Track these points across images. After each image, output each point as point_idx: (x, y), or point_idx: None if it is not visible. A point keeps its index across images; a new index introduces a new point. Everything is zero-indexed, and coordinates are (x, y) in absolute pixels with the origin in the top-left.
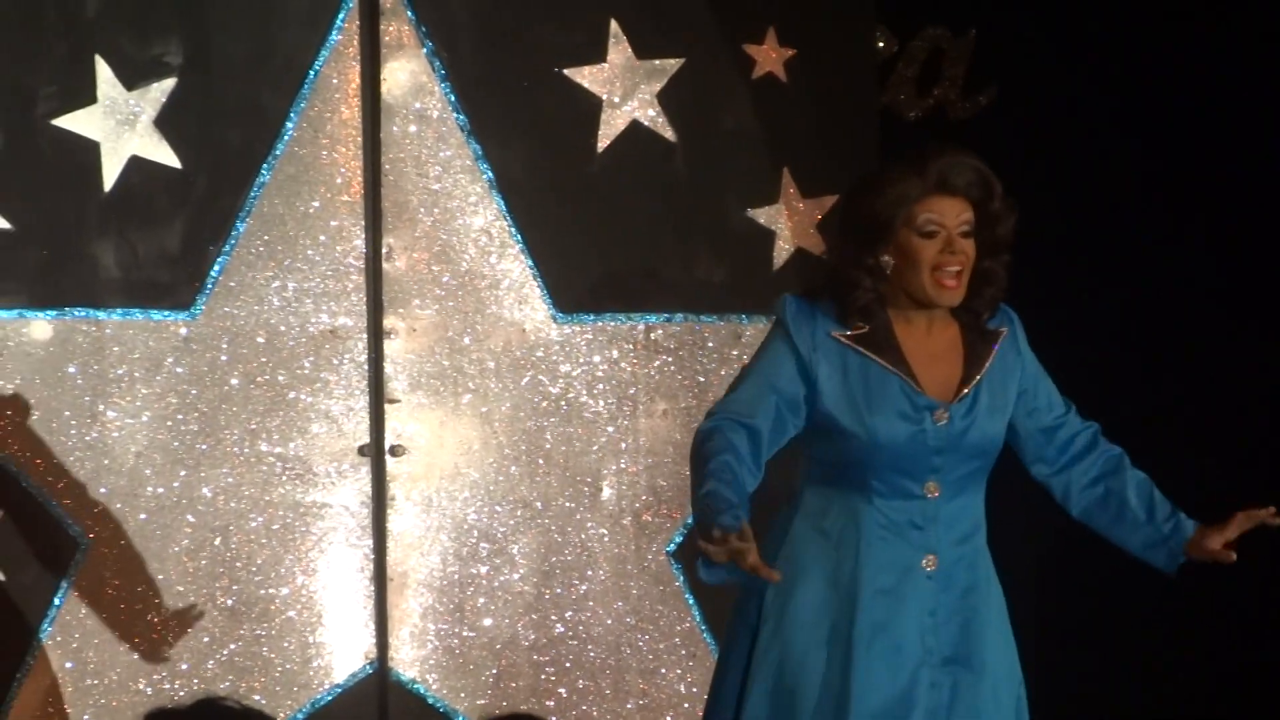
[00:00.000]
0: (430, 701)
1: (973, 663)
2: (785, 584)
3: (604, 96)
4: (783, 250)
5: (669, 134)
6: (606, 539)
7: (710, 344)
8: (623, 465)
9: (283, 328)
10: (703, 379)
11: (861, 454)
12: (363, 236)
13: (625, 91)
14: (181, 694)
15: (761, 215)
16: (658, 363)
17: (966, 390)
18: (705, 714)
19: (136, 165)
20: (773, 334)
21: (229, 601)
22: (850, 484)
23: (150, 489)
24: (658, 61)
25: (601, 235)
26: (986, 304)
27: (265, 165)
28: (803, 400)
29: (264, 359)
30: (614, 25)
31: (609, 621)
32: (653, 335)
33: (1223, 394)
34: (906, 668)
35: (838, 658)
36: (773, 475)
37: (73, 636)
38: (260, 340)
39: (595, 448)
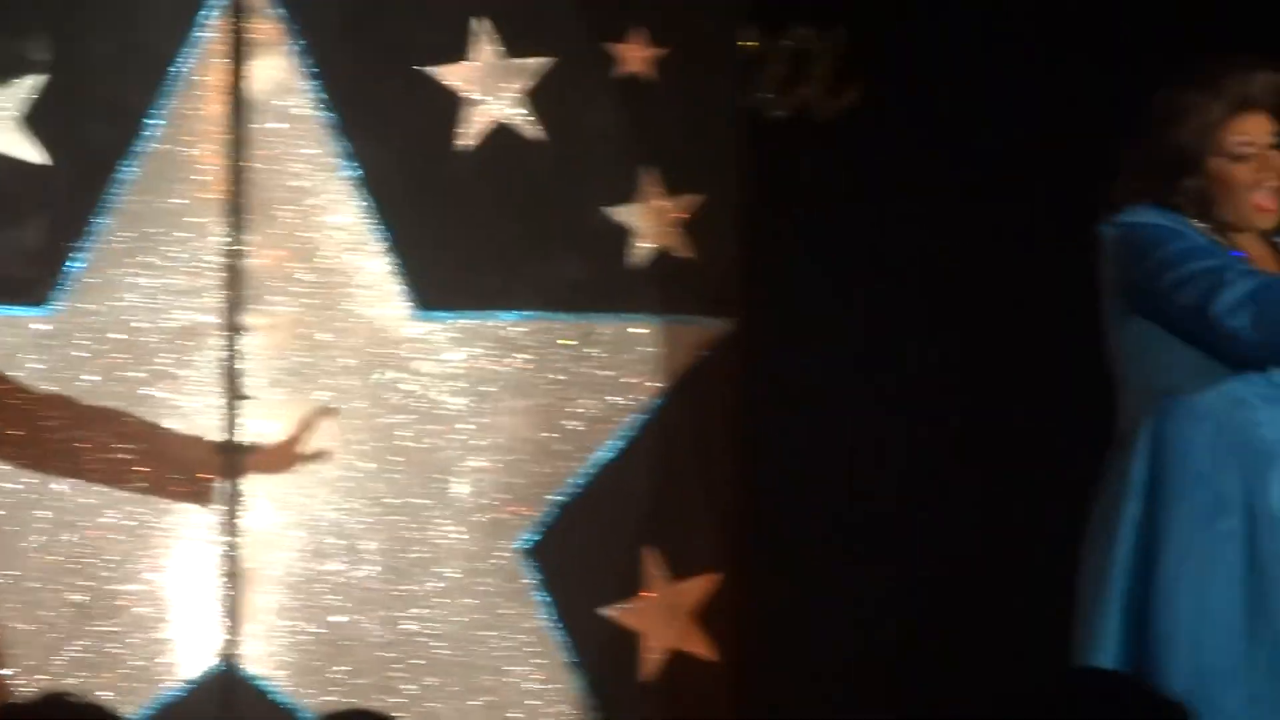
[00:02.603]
0: (277, 698)
1: None
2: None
3: (469, 94)
4: (644, 248)
5: (532, 132)
6: (458, 536)
7: (567, 341)
8: (477, 462)
9: (141, 324)
10: (559, 377)
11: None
12: (223, 233)
13: (490, 89)
14: (29, 689)
15: (622, 214)
16: (515, 360)
17: None
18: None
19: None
20: (1149, 232)
21: (79, 597)
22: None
23: (4, 484)
24: (523, 60)
25: (462, 233)
26: None
27: (127, 162)
28: None
29: (122, 355)
30: (480, 23)
31: (459, 619)
32: (510, 332)
33: (1079, 391)
34: None
35: (1247, 545)
36: None
37: None
38: (118, 337)
39: (450, 445)
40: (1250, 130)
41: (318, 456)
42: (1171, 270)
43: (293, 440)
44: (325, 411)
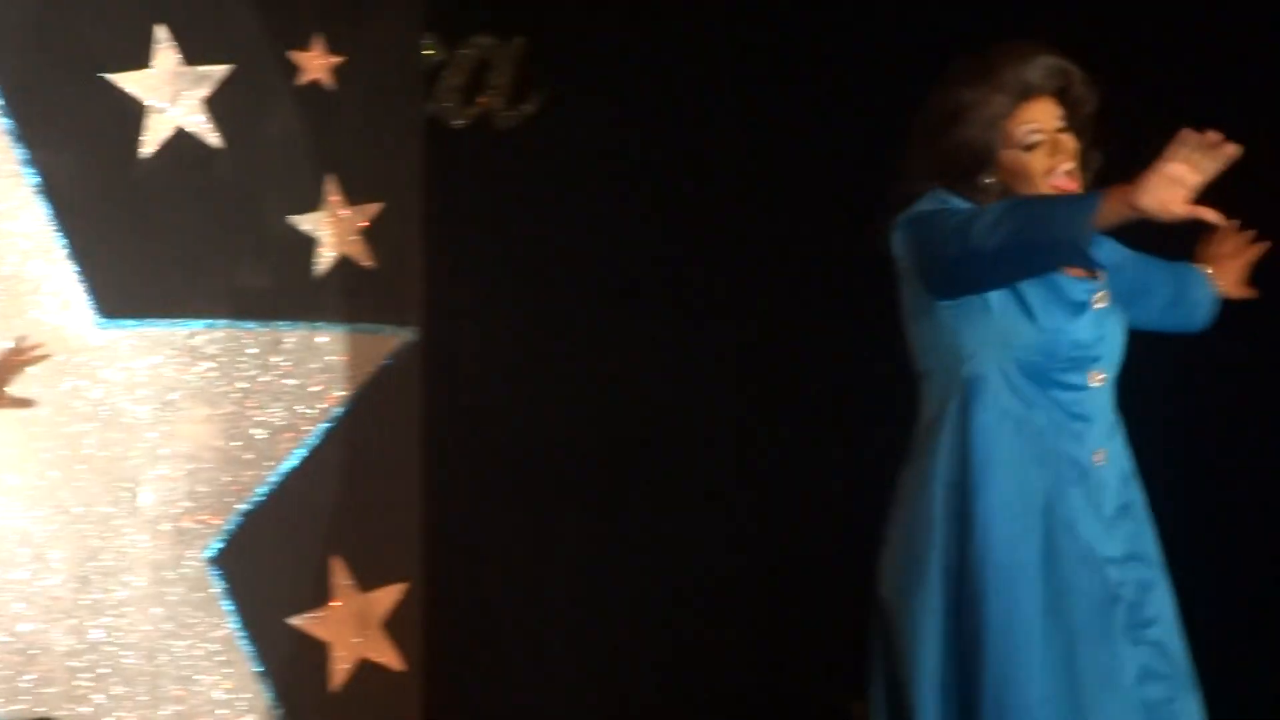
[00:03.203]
0: None
1: (1148, 558)
2: (976, 477)
3: (150, 101)
4: (326, 257)
5: (215, 140)
6: (145, 545)
7: (252, 350)
8: (163, 471)
9: None
10: (244, 385)
11: (1041, 349)
12: None
13: (171, 96)
14: None
15: (305, 222)
16: (200, 368)
17: (1101, 274)
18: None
19: None
20: (935, 213)
21: None
22: (1025, 376)
23: None
24: (204, 67)
25: (146, 240)
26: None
27: None
28: None
29: None
30: (161, 30)
31: (146, 628)
32: (195, 340)
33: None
34: (1099, 567)
35: (1043, 552)
36: None
37: None
38: None
39: (135, 453)
40: (1037, 117)
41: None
42: (947, 222)
43: None
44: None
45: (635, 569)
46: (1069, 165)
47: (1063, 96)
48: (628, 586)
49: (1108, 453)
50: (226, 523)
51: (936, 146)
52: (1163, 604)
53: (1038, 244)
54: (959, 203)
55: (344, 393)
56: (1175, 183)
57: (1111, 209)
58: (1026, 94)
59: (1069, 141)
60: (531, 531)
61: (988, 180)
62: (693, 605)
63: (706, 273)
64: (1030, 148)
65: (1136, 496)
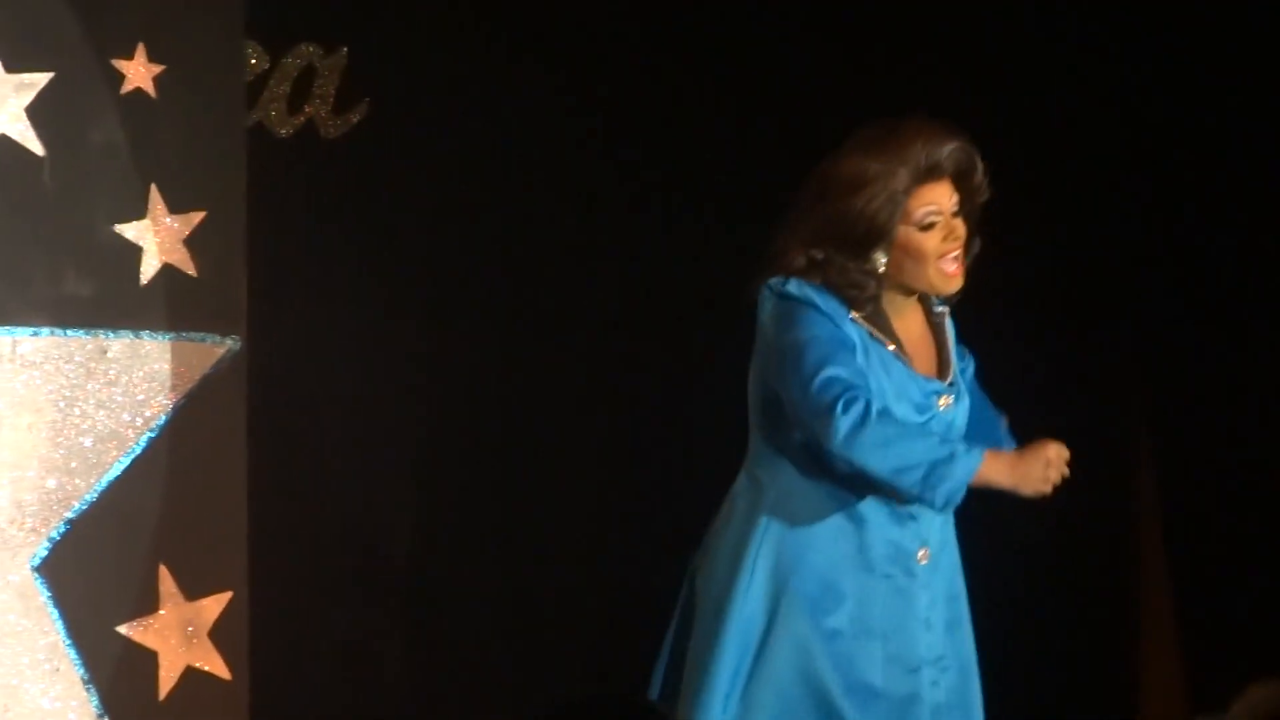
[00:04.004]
0: None
1: (962, 656)
2: (782, 568)
3: None
4: (150, 265)
5: (37, 148)
6: None
7: (77, 358)
8: None
9: None
10: (68, 393)
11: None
12: None
13: None
14: None
15: (130, 230)
16: (24, 377)
17: (951, 375)
18: (663, 675)
19: None
20: (805, 316)
21: None
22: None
23: None
24: (26, 75)
25: None
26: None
27: None
28: None
29: None
30: None
31: None
32: (19, 349)
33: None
34: (913, 665)
35: (852, 649)
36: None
37: None
38: None
39: None
40: (937, 199)
41: None
42: (805, 356)
43: None
44: None
45: (462, 574)
46: (957, 251)
47: (960, 182)
48: (454, 593)
49: (929, 550)
50: (52, 531)
51: (831, 211)
52: (971, 705)
53: (904, 487)
54: (826, 303)
55: (169, 401)
56: (1051, 467)
57: (983, 478)
58: (931, 174)
59: (960, 227)
60: (356, 539)
61: (876, 255)
62: (535, 613)
63: (531, 282)
64: (926, 228)
65: (959, 593)
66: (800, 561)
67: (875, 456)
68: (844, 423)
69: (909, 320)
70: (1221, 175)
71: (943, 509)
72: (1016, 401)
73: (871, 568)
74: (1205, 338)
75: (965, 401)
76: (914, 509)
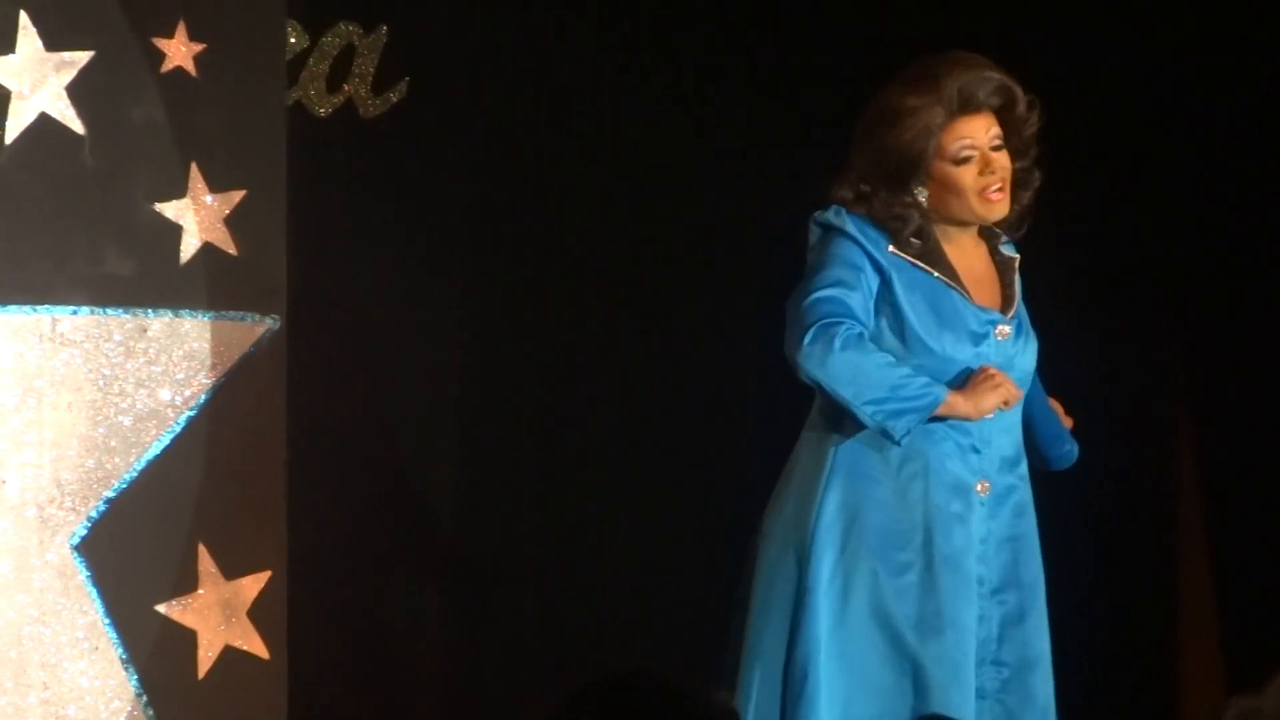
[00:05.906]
0: None
1: (1023, 581)
2: (848, 508)
3: (13, 88)
4: (190, 244)
5: (78, 127)
6: (9, 532)
7: (116, 337)
8: (27, 458)
9: None
10: (108, 372)
11: (929, 373)
12: None
13: (34, 83)
14: None
15: (169, 209)
16: (64, 355)
17: (1014, 310)
18: (747, 661)
19: None
20: (835, 242)
21: None
22: None
23: None
24: (67, 54)
25: (9, 227)
26: (1026, 211)
27: None
28: (873, 311)
29: None
30: (23, 16)
31: (10, 614)
32: (59, 328)
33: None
34: (973, 599)
35: (919, 585)
36: None
37: None
38: None
39: None
40: (972, 133)
41: None
42: (814, 277)
43: None
44: None
45: (503, 553)
46: (999, 184)
47: (1003, 114)
48: (494, 573)
49: (990, 485)
50: (92, 510)
51: (870, 146)
52: (1029, 635)
53: (866, 416)
54: (864, 232)
55: (208, 380)
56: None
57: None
58: (966, 108)
59: (1002, 160)
60: (396, 518)
61: (915, 188)
62: (576, 594)
63: (573, 259)
64: (961, 162)
65: (1026, 530)
66: (866, 498)
67: (839, 382)
68: (814, 345)
69: (968, 253)
70: (1263, 162)
71: (900, 440)
72: (1058, 391)
73: (934, 500)
74: (1248, 326)
75: (1033, 344)
76: (976, 443)
